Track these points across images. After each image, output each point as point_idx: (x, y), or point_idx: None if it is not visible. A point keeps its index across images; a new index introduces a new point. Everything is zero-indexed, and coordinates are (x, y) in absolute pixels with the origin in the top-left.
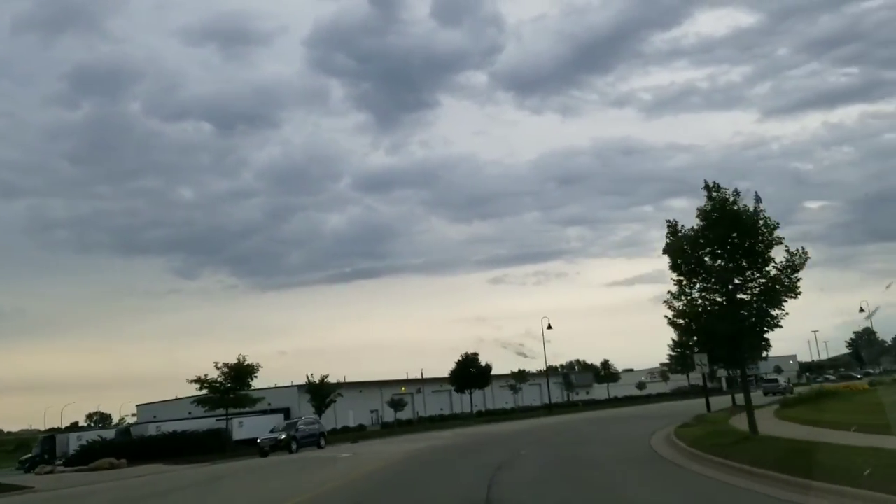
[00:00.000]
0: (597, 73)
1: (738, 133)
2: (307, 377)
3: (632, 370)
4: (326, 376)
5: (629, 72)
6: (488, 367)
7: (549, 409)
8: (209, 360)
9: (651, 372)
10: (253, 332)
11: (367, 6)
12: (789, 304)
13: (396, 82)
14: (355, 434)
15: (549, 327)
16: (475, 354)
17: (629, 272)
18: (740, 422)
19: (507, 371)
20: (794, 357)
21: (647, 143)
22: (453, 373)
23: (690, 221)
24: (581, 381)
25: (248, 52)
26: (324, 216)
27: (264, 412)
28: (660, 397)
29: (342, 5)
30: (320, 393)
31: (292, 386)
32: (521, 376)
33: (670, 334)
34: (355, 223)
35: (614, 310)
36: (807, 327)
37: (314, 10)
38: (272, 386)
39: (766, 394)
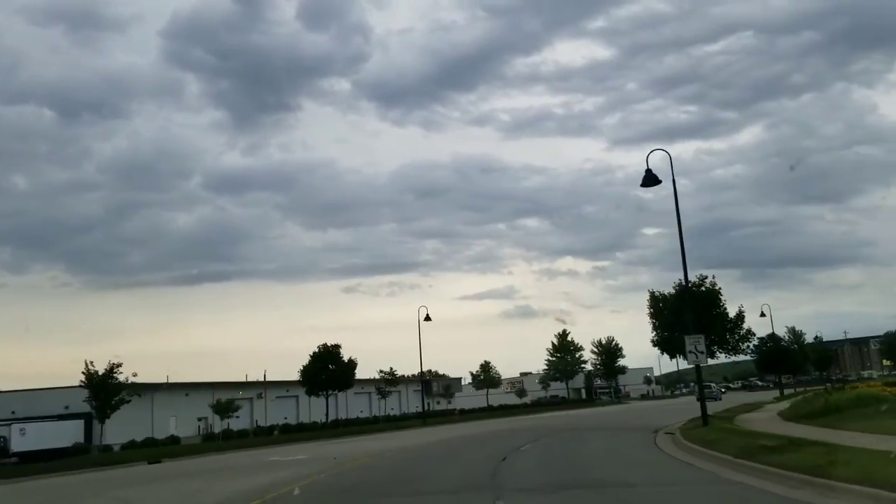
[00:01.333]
0: (460, 90)
1: (588, 159)
2: (86, 367)
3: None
4: (113, 367)
5: (490, 92)
6: (352, 364)
7: (424, 418)
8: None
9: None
10: (83, 333)
11: (230, 2)
12: None
13: (257, 82)
14: (152, 452)
15: (428, 318)
16: (336, 347)
17: (481, 287)
18: None
19: (366, 377)
20: (650, 370)
21: (504, 162)
22: (306, 370)
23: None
24: (450, 389)
25: (98, 38)
26: (171, 215)
27: (61, 417)
28: (543, 407)
29: None
30: (105, 392)
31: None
32: (391, 381)
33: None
34: (205, 224)
35: (464, 323)
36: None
37: (174, 0)
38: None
39: (698, 399)
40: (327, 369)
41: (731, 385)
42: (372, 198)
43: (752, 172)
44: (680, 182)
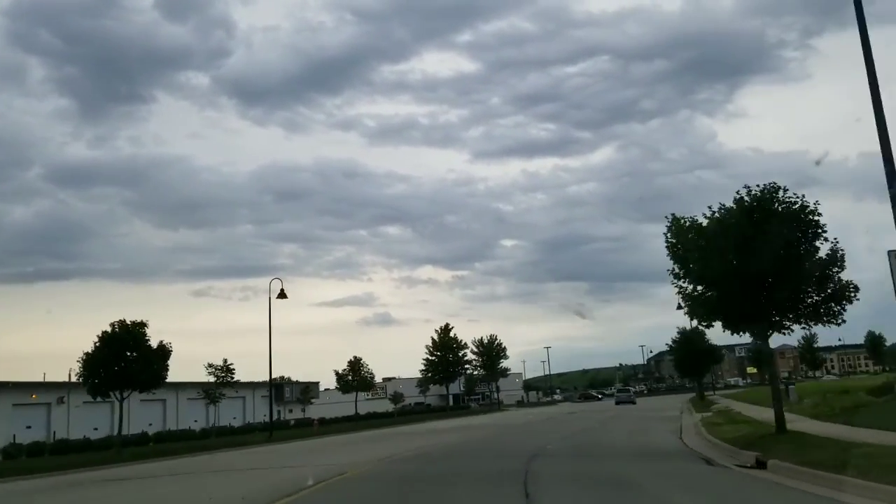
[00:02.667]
0: (325, 93)
1: (451, 170)
2: None
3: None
4: None
5: (356, 97)
6: (163, 352)
7: (271, 431)
8: None
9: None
10: None
11: None
12: None
13: (108, 70)
14: None
15: (283, 293)
16: (139, 325)
17: (339, 294)
18: None
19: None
20: (519, 375)
21: (368, 168)
22: (89, 360)
23: (403, 249)
24: (308, 394)
25: None
26: (6, 207)
27: None
28: (415, 416)
29: None
30: None
31: None
32: (227, 382)
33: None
34: (44, 218)
35: (322, 330)
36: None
37: None
38: None
39: (617, 403)
40: (125, 357)
41: (604, 391)
42: (229, 198)
43: (603, 190)
44: (537, 197)
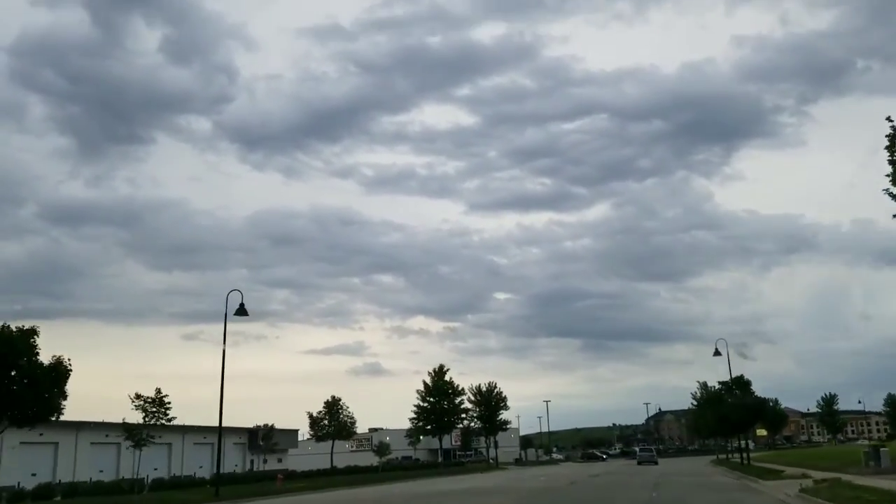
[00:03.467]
0: (325, 141)
1: (446, 221)
2: None
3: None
4: None
5: (355, 146)
6: (60, 371)
7: (217, 488)
8: None
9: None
10: None
11: (88, 25)
12: None
13: (109, 111)
14: None
15: (242, 308)
16: (30, 332)
17: (330, 341)
18: None
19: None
20: (516, 430)
21: (364, 216)
22: None
23: (396, 298)
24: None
25: None
26: None
27: None
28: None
29: (60, 17)
30: None
31: None
32: (143, 426)
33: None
34: (35, 257)
35: (309, 378)
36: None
37: (25, 15)
38: None
39: (639, 463)
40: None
41: (608, 451)
42: (224, 242)
43: (598, 246)
44: (531, 251)
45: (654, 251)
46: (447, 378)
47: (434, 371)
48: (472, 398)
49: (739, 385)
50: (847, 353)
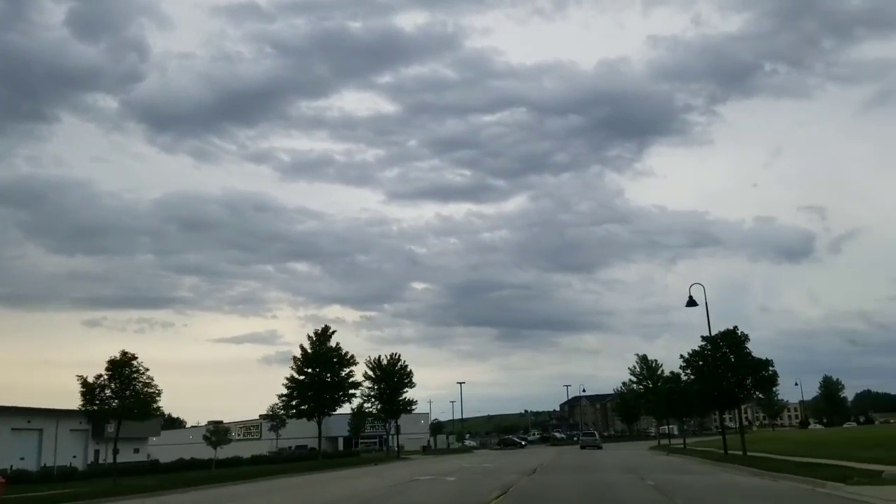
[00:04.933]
0: (239, 124)
1: (365, 209)
2: None
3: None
4: None
5: (271, 130)
6: None
7: None
8: None
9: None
10: None
11: None
12: None
13: (11, 86)
14: None
15: None
16: None
17: (241, 330)
18: None
19: None
20: (425, 416)
21: (279, 202)
22: None
23: (311, 287)
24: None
25: None
26: None
27: None
28: (260, 467)
29: None
30: None
31: None
32: None
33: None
34: None
35: (219, 367)
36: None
37: None
38: None
39: (583, 447)
40: None
41: (527, 437)
42: (130, 225)
43: (515, 238)
44: (449, 241)
45: (568, 243)
46: (332, 344)
47: (315, 335)
48: (370, 373)
49: (732, 341)
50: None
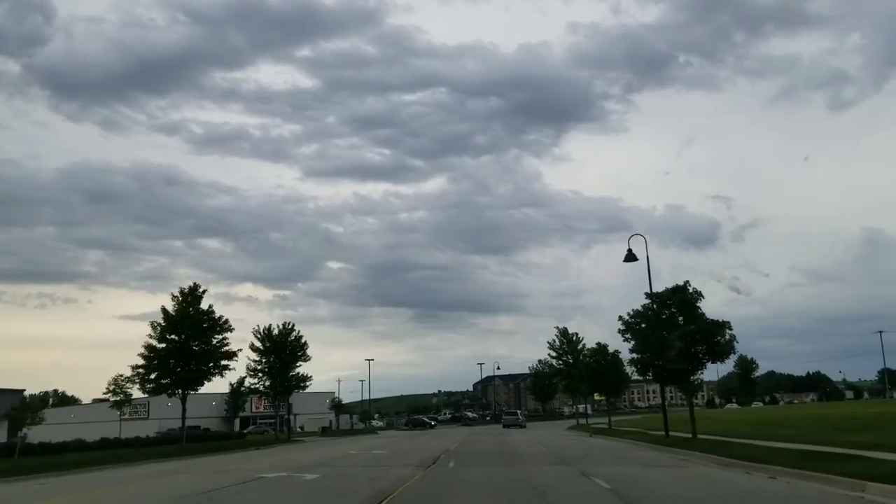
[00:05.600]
0: (150, 93)
1: (280, 186)
2: None
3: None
4: None
5: (183, 100)
6: None
7: None
8: None
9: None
10: None
11: None
12: None
13: None
14: None
15: None
16: None
17: (148, 307)
18: None
19: None
20: (331, 395)
21: (190, 176)
22: None
23: (223, 264)
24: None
25: None
26: None
27: None
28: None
29: None
30: None
31: None
32: None
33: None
34: None
35: (124, 344)
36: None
37: None
38: None
39: (505, 426)
40: None
41: (437, 417)
42: (31, 195)
43: (433, 219)
44: (367, 220)
45: (486, 226)
46: (204, 306)
47: (181, 294)
48: (258, 345)
49: (683, 300)
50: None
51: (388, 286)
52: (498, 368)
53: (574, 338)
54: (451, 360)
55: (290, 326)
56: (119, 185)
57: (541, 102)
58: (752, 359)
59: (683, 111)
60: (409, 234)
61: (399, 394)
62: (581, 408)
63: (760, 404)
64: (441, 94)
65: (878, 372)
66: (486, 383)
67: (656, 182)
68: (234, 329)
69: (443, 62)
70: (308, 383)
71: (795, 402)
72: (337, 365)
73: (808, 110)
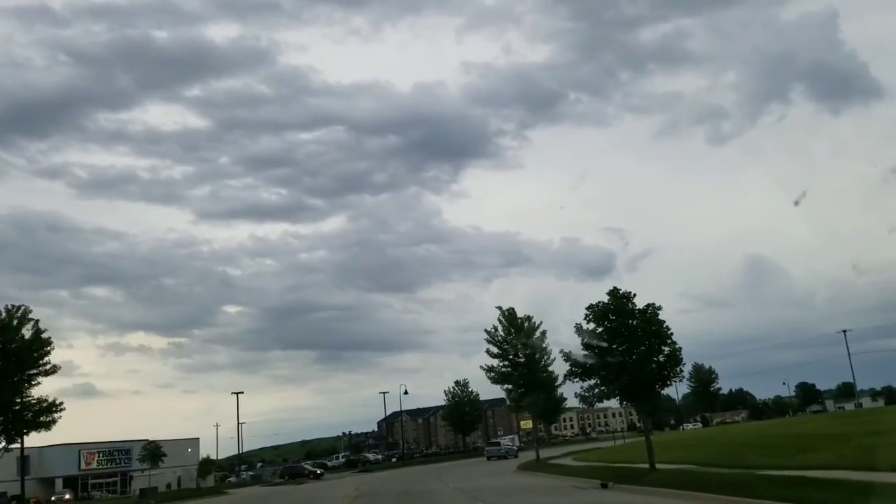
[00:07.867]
0: (29, 136)
1: (172, 230)
2: None
3: None
4: None
5: (66, 143)
6: None
7: None
8: None
9: None
10: None
11: None
12: None
13: None
14: None
15: None
16: None
17: None
18: None
19: None
20: (196, 441)
21: (75, 222)
22: None
23: (112, 313)
24: None
25: None
26: None
27: None
28: None
29: None
30: None
31: None
32: None
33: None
34: None
35: None
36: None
37: None
38: None
39: (489, 458)
40: None
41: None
42: None
43: (334, 258)
44: (265, 262)
45: (388, 264)
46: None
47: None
48: None
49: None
50: (557, 354)
51: (290, 329)
52: (405, 393)
53: (528, 324)
54: (357, 402)
55: (16, 311)
56: None
57: (438, 140)
58: (710, 367)
59: (576, 146)
60: (310, 275)
61: (303, 438)
62: (506, 440)
63: (699, 425)
64: (338, 132)
65: (796, 387)
66: (391, 420)
67: (552, 216)
68: None
69: (339, 101)
70: (56, 415)
71: (728, 420)
72: (242, 413)
73: (689, 144)
